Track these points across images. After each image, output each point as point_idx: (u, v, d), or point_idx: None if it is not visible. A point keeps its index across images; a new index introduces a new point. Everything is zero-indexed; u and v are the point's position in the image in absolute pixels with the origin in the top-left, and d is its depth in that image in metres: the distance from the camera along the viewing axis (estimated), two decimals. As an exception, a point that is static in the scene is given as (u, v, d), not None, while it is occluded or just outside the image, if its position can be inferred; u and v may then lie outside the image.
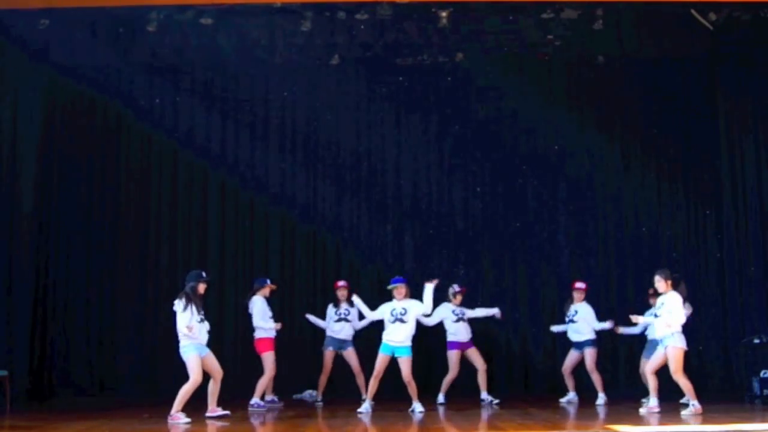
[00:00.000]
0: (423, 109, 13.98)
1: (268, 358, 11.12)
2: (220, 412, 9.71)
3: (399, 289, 10.53)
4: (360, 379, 11.52)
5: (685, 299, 10.18)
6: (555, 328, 12.03)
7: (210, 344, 9.80)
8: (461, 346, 11.68)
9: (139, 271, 13.49)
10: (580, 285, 11.88)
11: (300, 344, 12.89)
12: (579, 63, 13.76)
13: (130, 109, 13.77)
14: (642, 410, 10.04)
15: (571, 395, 11.68)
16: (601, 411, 10.59)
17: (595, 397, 11.36)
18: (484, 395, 11.49)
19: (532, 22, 12.67)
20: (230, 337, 12.86)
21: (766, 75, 12.52)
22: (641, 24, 12.77)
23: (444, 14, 12.19)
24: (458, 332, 11.67)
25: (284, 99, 13.96)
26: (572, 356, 11.73)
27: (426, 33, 12.94)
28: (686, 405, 9.96)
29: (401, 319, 10.41)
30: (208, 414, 9.68)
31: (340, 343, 11.79)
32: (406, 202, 13.86)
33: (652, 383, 10.09)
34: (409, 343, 10.45)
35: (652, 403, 10.01)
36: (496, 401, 11.31)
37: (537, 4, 12.13)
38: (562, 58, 13.59)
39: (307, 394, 12.02)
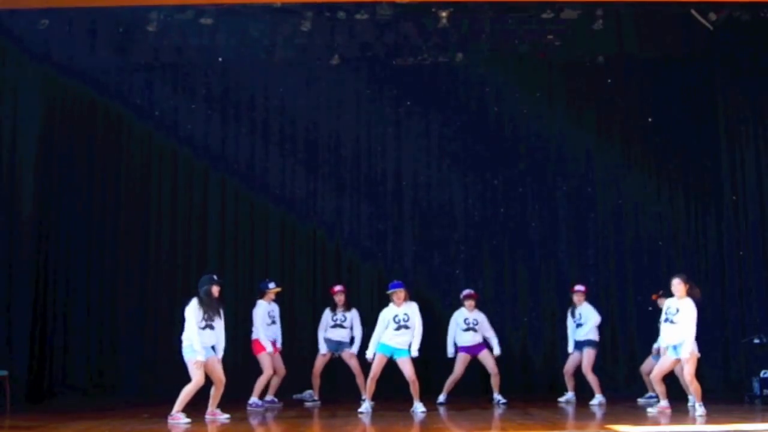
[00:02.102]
0: (423, 109, 13.97)
1: (264, 359, 11.16)
2: (220, 416, 9.70)
3: (398, 294, 10.44)
4: (360, 380, 11.50)
5: (698, 304, 10.04)
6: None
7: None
8: (470, 350, 11.71)
9: (139, 271, 13.48)
10: (579, 288, 11.89)
11: (300, 344, 12.87)
12: (579, 63, 13.75)
13: (130, 109, 13.76)
14: (652, 410, 10.03)
15: (570, 395, 11.69)
16: (601, 411, 10.59)
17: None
18: (497, 396, 11.53)
19: (532, 22, 12.66)
20: (230, 338, 12.76)
21: (766, 75, 12.51)
22: (641, 24, 12.77)
23: (444, 14, 12.18)
24: (466, 340, 11.72)
25: (284, 99, 13.94)
26: (574, 357, 11.73)
27: (426, 33, 12.94)
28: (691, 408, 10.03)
29: (405, 325, 10.38)
30: (207, 416, 9.67)
31: (337, 345, 11.78)
32: (406, 202, 13.85)
33: (659, 389, 10.10)
34: (407, 346, 10.43)
35: (663, 403, 10.04)
36: (504, 401, 11.33)
37: (537, 4, 12.13)
38: (562, 58, 13.58)
39: (308, 394, 12.01)
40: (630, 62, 13.64)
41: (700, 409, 9.63)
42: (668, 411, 9.92)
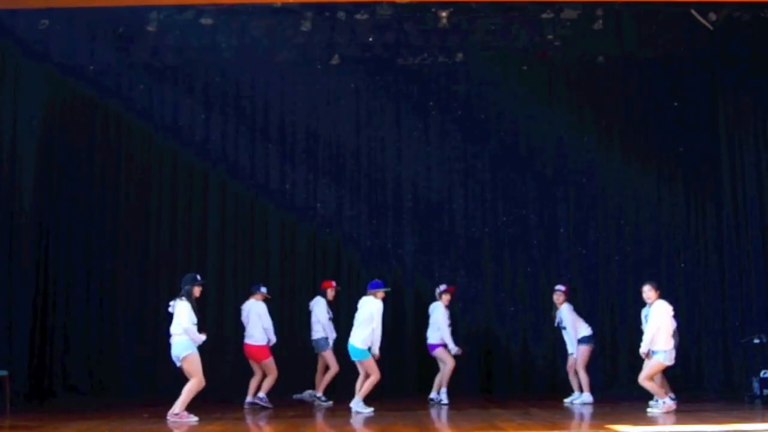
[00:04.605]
0: (423, 109, 13.98)
1: (270, 365, 11.20)
2: (187, 418, 9.56)
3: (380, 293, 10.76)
4: (329, 376, 11.58)
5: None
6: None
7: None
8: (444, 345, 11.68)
9: (139, 271, 13.48)
10: (559, 287, 11.84)
11: (300, 344, 12.83)
12: (579, 63, 13.75)
13: (130, 109, 13.77)
14: (656, 410, 10.01)
15: (576, 395, 11.63)
16: (601, 411, 10.57)
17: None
18: (434, 394, 11.56)
19: (533, 22, 12.66)
20: (230, 338, 12.83)
21: (766, 75, 12.51)
22: (641, 24, 12.76)
23: (444, 14, 12.18)
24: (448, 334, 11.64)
25: (284, 99, 13.95)
26: (572, 359, 11.68)
27: (426, 33, 12.94)
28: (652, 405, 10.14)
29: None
30: (170, 417, 9.52)
31: (328, 342, 11.77)
32: (406, 202, 13.86)
33: (655, 388, 10.12)
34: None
35: (667, 401, 10.03)
36: (445, 402, 11.34)
37: (537, 4, 12.12)
38: (562, 58, 13.57)
39: (308, 394, 12.01)
40: (630, 62, 13.63)
41: (661, 403, 9.77)
42: (673, 408, 9.89)
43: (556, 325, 11.73)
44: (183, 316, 9.56)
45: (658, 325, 10.04)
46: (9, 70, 12.53)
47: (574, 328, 11.50)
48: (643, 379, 10.09)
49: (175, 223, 13.71)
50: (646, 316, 10.38)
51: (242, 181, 13.80)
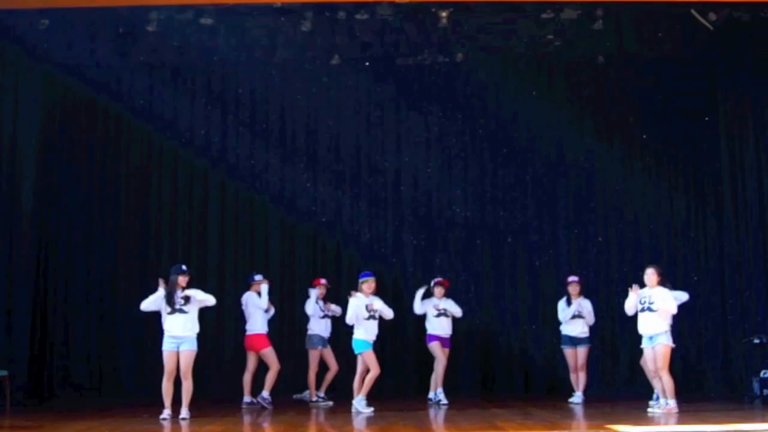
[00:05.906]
0: (423, 109, 13.98)
1: (269, 354, 11.19)
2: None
3: (370, 283, 10.68)
4: (330, 375, 11.60)
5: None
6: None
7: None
8: (441, 340, 11.61)
9: (139, 271, 13.47)
10: (573, 278, 11.84)
11: (299, 345, 12.82)
12: (579, 63, 13.75)
13: (130, 109, 13.77)
14: (656, 411, 9.99)
15: (578, 395, 11.60)
16: (601, 411, 10.56)
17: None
18: (432, 394, 11.52)
19: (532, 22, 12.64)
20: (230, 337, 12.85)
21: (766, 75, 12.51)
22: (641, 24, 12.76)
23: (444, 14, 12.18)
24: (439, 327, 11.61)
25: (284, 99, 13.96)
26: (570, 354, 11.66)
27: (426, 33, 12.93)
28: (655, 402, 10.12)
29: (373, 315, 10.58)
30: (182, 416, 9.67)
31: (325, 342, 11.74)
32: (406, 202, 13.87)
33: (670, 384, 10.07)
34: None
35: (671, 403, 9.95)
36: (444, 402, 11.32)
37: (537, 4, 12.12)
38: (562, 58, 13.58)
39: (307, 394, 12.01)
40: (630, 62, 13.63)
41: (664, 404, 9.66)
42: (675, 411, 9.86)
43: (574, 314, 11.65)
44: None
45: (671, 311, 9.97)
46: (9, 69, 12.54)
47: (587, 323, 11.60)
48: (660, 369, 9.92)
49: (175, 223, 13.72)
50: (642, 300, 10.19)
51: (242, 181, 13.80)
